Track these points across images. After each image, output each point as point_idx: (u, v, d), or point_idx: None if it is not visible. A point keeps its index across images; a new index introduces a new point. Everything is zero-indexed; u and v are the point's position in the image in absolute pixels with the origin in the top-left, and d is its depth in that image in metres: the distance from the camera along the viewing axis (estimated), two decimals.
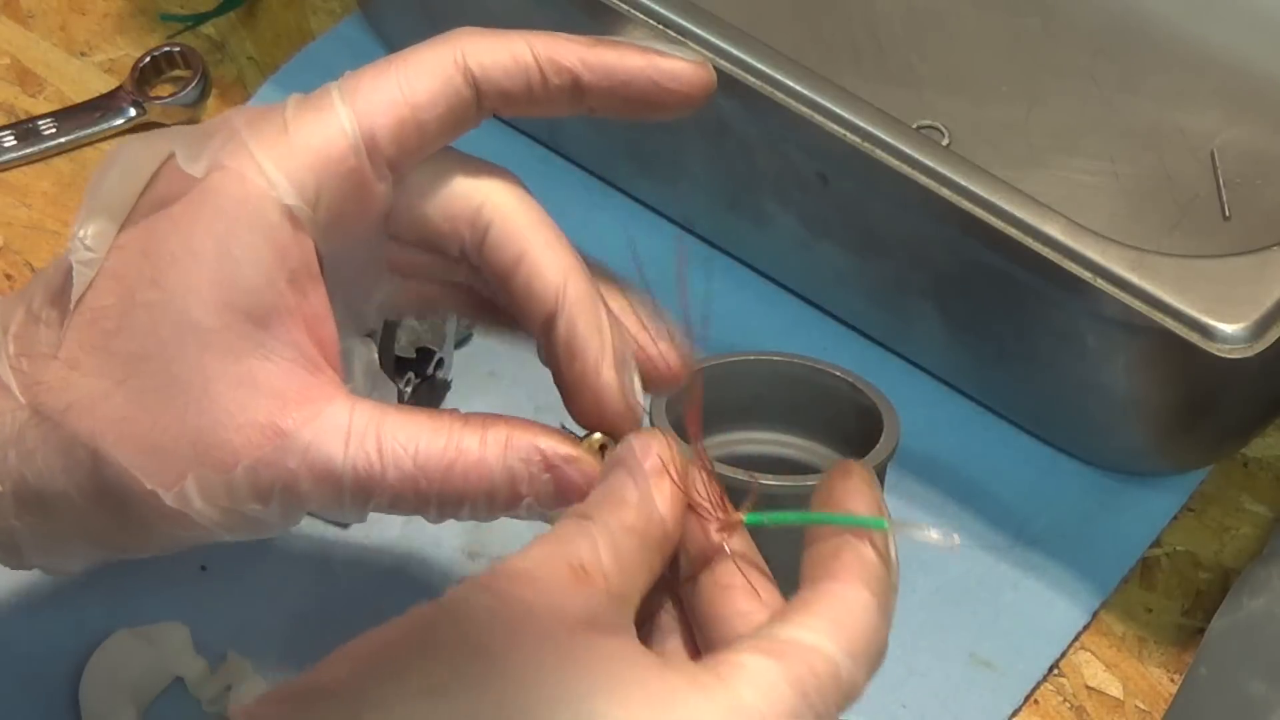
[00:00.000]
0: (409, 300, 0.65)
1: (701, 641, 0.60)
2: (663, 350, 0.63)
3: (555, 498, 0.61)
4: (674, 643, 0.60)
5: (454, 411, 0.62)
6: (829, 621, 0.56)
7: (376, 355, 0.72)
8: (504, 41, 0.61)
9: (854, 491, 0.59)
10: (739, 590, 0.59)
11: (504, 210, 0.62)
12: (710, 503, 0.60)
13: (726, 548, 0.59)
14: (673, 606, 0.61)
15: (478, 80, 0.61)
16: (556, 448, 0.61)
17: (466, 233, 0.62)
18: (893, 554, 0.58)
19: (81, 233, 0.61)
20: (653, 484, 0.59)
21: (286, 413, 0.60)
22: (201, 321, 0.59)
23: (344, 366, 0.63)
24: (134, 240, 0.60)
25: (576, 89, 0.62)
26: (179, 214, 0.60)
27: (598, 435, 0.62)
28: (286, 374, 0.60)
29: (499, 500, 0.61)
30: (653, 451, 0.59)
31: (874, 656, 0.57)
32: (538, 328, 0.62)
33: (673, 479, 0.59)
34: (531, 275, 0.61)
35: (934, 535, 0.59)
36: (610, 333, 0.62)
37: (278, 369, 0.60)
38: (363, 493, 0.61)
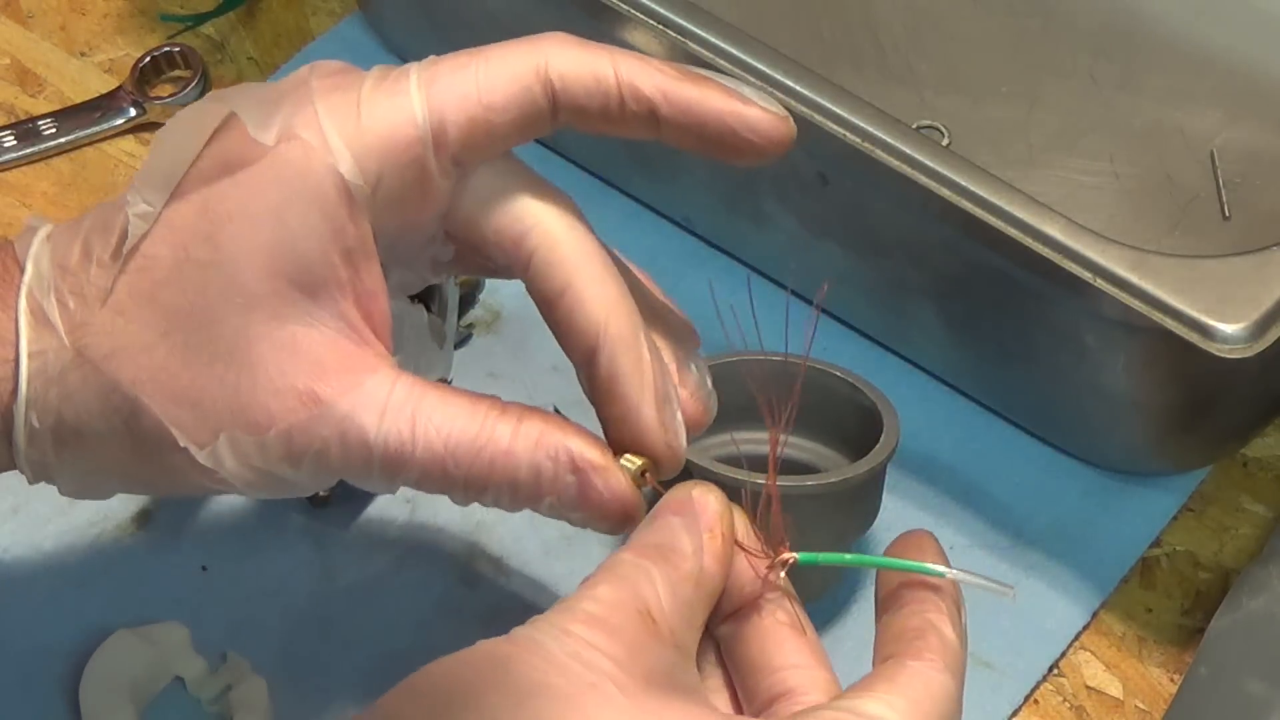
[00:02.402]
0: (463, 269, 0.65)
1: (743, 687, 0.60)
2: (687, 396, 0.63)
3: (576, 502, 0.61)
4: (714, 681, 0.61)
5: (494, 398, 0.62)
6: (910, 702, 0.57)
7: (426, 319, 0.72)
8: (589, 56, 0.61)
9: (926, 552, 0.59)
10: (786, 636, 0.59)
11: (552, 238, 0.61)
12: (759, 545, 0.60)
13: (778, 585, 0.61)
14: (710, 650, 0.61)
15: (556, 92, 0.61)
16: (586, 453, 0.61)
17: (512, 254, 0.62)
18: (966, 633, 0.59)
19: (141, 185, 0.61)
20: (706, 539, 0.59)
21: (326, 381, 0.60)
22: (251, 285, 0.60)
23: (397, 334, 0.63)
24: (194, 195, 0.60)
25: (653, 118, 0.61)
26: (242, 177, 0.60)
27: (638, 461, 0.62)
28: (330, 343, 0.60)
29: (521, 494, 0.61)
30: (710, 508, 0.60)
31: None
32: (578, 360, 0.62)
33: (724, 534, 0.60)
34: (574, 309, 0.61)
35: (991, 585, 0.59)
36: (652, 369, 0.61)
37: (322, 337, 0.60)
38: (392, 467, 0.61)
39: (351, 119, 0.60)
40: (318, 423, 0.60)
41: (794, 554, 0.60)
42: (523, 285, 0.66)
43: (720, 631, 0.61)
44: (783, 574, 0.60)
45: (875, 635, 0.60)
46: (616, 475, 0.61)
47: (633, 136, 0.62)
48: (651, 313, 0.64)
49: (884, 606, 0.60)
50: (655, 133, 0.61)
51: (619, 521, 0.62)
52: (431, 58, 0.62)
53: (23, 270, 0.62)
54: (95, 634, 0.73)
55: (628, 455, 0.62)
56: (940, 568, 0.59)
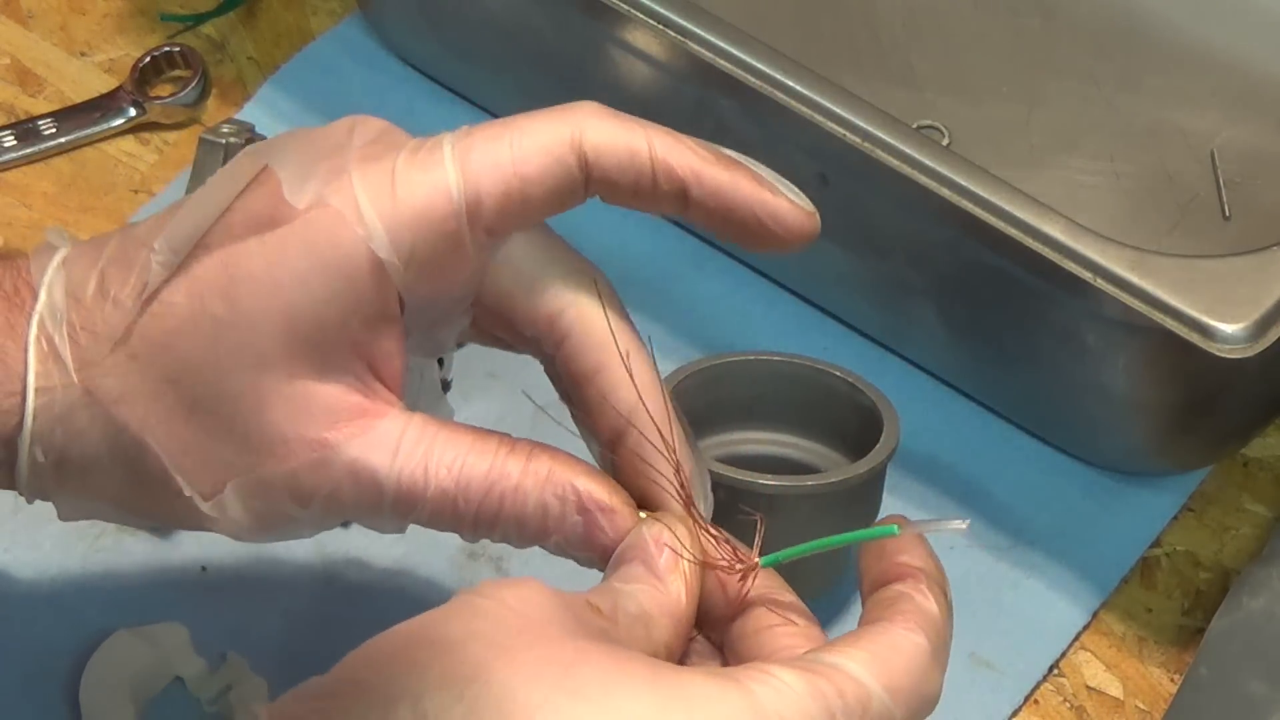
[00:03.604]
0: (488, 339, 0.65)
1: None
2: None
3: (582, 542, 0.61)
4: None
5: (503, 435, 0.62)
6: (872, 655, 0.56)
7: (439, 376, 0.72)
8: (624, 131, 0.61)
9: (907, 548, 0.60)
10: (776, 628, 0.60)
11: (585, 319, 0.62)
12: (725, 557, 0.60)
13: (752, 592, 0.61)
14: (715, 660, 0.61)
15: (590, 164, 0.60)
16: (594, 493, 0.61)
17: (544, 332, 0.62)
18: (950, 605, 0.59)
19: (171, 233, 0.61)
20: (665, 570, 0.59)
21: (337, 429, 0.60)
22: (265, 346, 0.60)
23: (407, 384, 0.63)
24: (219, 249, 0.60)
25: (682, 198, 0.61)
26: (270, 239, 0.60)
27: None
28: (340, 395, 0.61)
29: (528, 531, 0.61)
30: (665, 544, 0.60)
31: (918, 700, 0.57)
32: (602, 439, 0.62)
33: (686, 557, 0.60)
34: (607, 390, 0.61)
35: (944, 525, 0.60)
36: (681, 451, 0.62)
37: (334, 391, 0.61)
38: (403, 506, 0.61)
39: (386, 191, 0.60)
40: (328, 464, 0.60)
41: (756, 559, 0.60)
42: None
43: (718, 640, 0.61)
44: (753, 581, 0.60)
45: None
46: (622, 517, 0.61)
47: (659, 213, 0.62)
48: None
49: (866, 589, 0.60)
50: (683, 212, 0.61)
51: None
52: (465, 128, 0.61)
53: (35, 295, 0.61)
54: (95, 634, 0.73)
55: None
56: (890, 526, 0.59)
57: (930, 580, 0.59)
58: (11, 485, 0.63)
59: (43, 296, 0.61)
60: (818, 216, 0.62)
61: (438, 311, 0.63)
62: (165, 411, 0.60)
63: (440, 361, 0.74)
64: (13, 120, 0.89)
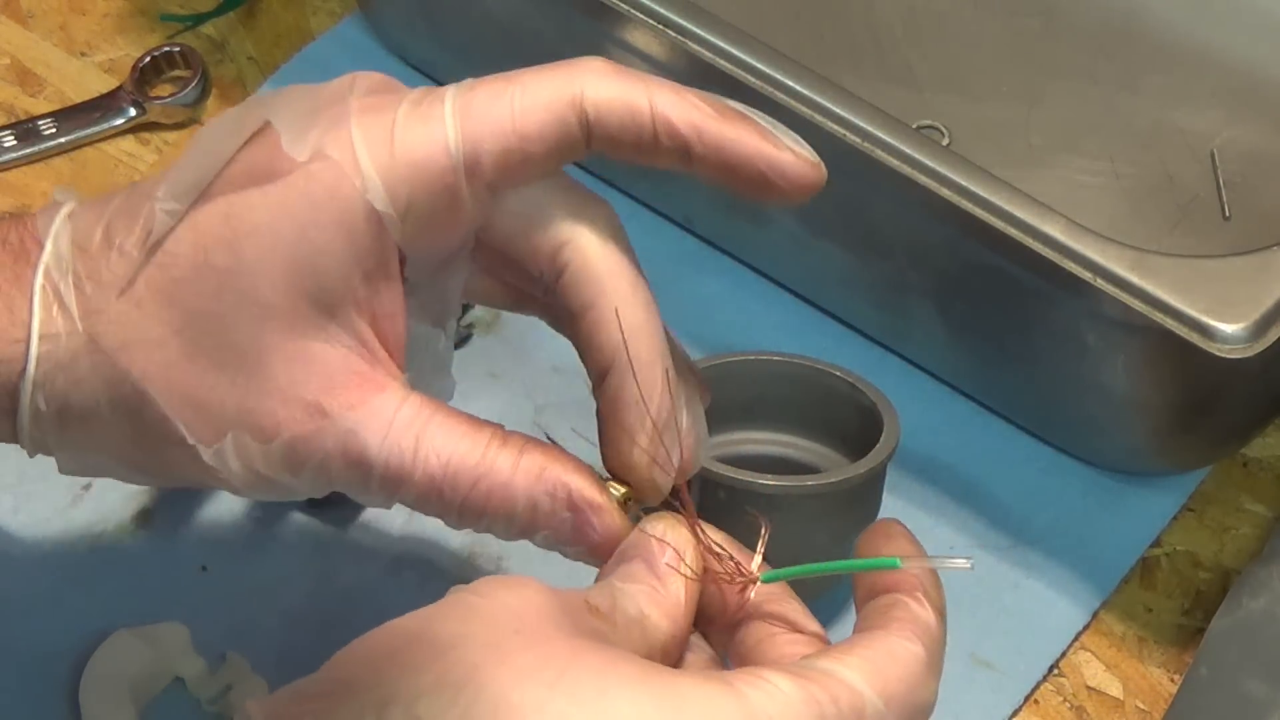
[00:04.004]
0: (490, 293, 0.65)
1: None
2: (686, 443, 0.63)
3: (570, 538, 0.61)
4: None
5: (498, 427, 0.62)
6: (867, 662, 0.56)
7: (443, 344, 0.71)
8: (626, 87, 0.60)
9: (894, 539, 0.60)
10: (780, 637, 0.60)
11: (584, 254, 0.61)
12: (725, 567, 0.60)
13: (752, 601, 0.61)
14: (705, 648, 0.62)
15: (591, 122, 0.60)
16: (584, 491, 0.61)
17: (545, 266, 0.62)
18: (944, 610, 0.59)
19: (172, 181, 0.61)
20: (666, 571, 0.59)
21: (334, 395, 0.60)
22: (268, 297, 0.60)
23: (412, 352, 0.63)
24: (221, 200, 0.60)
25: (685, 154, 0.61)
26: (271, 190, 0.60)
27: (622, 489, 0.62)
28: (342, 359, 0.61)
29: (516, 526, 0.62)
30: (667, 546, 0.60)
31: (913, 709, 0.57)
32: (592, 376, 0.62)
33: (688, 560, 0.60)
34: (595, 327, 0.61)
35: (948, 563, 0.60)
36: (658, 401, 0.61)
37: (334, 352, 0.61)
38: (390, 485, 0.61)
39: (385, 144, 0.60)
40: (321, 435, 0.60)
41: (758, 574, 0.60)
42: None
43: (720, 645, 0.61)
44: (750, 591, 0.60)
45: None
46: (612, 515, 0.61)
47: (664, 168, 0.62)
48: (672, 354, 0.63)
49: (861, 597, 0.60)
50: (687, 167, 0.61)
51: (610, 558, 0.62)
52: (468, 81, 0.61)
53: (41, 247, 0.62)
54: (95, 634, 0.73)
55: (614, 483, 0.62)
56: (895, 559, 0.59)
57: (926, 590, 0.59)
58: (13, 437, 0.63)
59: (49, 247, 0.62)
60: (823, 168, 0.61)
61: (439, 260, 0.63)
62: (168, 361, 0.60)
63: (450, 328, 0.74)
64: (13, 120, 0.89)
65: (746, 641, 0.60)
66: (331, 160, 0.60)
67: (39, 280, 0.61)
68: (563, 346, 0.81)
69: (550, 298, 0.63)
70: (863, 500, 0.74)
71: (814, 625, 0.61)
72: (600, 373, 0.61)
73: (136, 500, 0.78)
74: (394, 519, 0.78)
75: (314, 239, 0.60)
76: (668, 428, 0.61)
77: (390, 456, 0.61)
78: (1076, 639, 0.77)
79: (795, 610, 0.61)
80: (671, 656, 0.59)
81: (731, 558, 0.61)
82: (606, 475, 0.62)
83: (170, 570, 0.76)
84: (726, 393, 0.75)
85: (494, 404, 0.80)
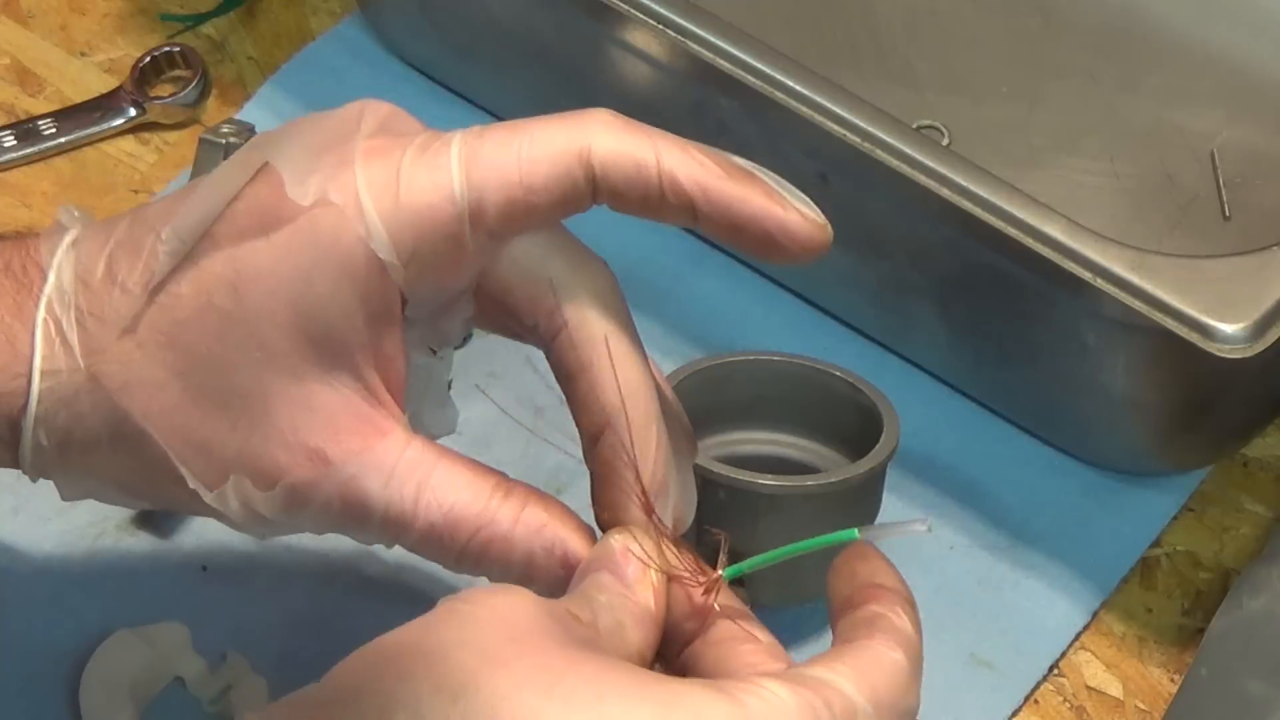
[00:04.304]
0: (492, 326, 0.65)
1: None
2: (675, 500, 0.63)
3: (561, 592, 0.61)
4: None
5: (500, 476, 0.62)
6: (855, 670, 0.57)
7: (446, 376, 0.72)
8: (633, 142, 0.60)
9: (876, 569, 0.60)
10: (739, 642, 0.60)
11: (581, 316, 0.61)
12: (688, 569, 0.60)
13: (716, 606, 0.60)
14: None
15: (597, 178, 0.60)
16: (580, 552, 0.61)
17: (542, 322, 0.62)
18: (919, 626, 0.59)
19: (178, 222, 0.61)
20: (634, 578, 0.59)
21: (337, 441, 0.60)
22: (271, 341, 0.60)
23: (412, 384, 0.63)
24: (225, 243, 0.60)
25: (690, 212, 0.60)
26: (275, 236, 0.60)
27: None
28: (344, 403, 0.61)
29: (511, 575, 0.62)
30: (631, 554, 0.60)
31: (900, 713, 0.57)
32: (586, 435, 0.62)
33: (653, 569, 0.60)
34: (591, 389, 0.61)
35: (907, 529, 0.60)
36: (655, 464, 0.61)
37: (337, 397, 0.61)
38: (390, 532, 0.62)
39: (390, 190, 0.60)
40: (323, 481, 0.61)
41: (719, 572, 0.60)
42: None
43: (679, 663, 0.61)
44: (717, 594, 0.60)
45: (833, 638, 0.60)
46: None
47: (669, 224, 0.62)
48: (664, 412, 0.63)
49: (837, 613, 0.60)
50: (693, 224, 0.61)
51: None
52: (476, 128, 0.61)
53: (44, 276, 0.61)
54: (95, 634, 0.73)
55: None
56: (850, 531, 0.59)
57: (902, 601, 0.59)
58: (14, 465, 0.63)
59: (51, 279, 0.61)
60: (829, 229, 0.61)
61: (439, 304, 0.63)
62: (169, 402, 0.60)
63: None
64: (13, 120, 0.89)
65: (708, 648, 0.60)
66: (335, 206, 0.60)
67: (41, 314, 0.61)
68: None
69: (545, 352, 0.63)
70: (863, 500, 0.74)
71: (769, 635, 0.61)
72: (594, 433, 0.62)
73: None
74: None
75: (317, 284, 0.60)
76: (661, 490, 0.61)
77: (391, 504, 0.61)
78: (1076, 639, 0.77)
79: (752, 619, 0.61)
80: (648, 662, 0.59)
81: (694, 560, 0.61)
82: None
83: (170, 570, 0.76)
84: (726, 393, 0.75)
85: (494, 405, 0.80)
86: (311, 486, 0.61)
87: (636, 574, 0.59)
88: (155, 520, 0.77)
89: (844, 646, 0.58)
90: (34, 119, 0.89)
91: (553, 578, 0.61)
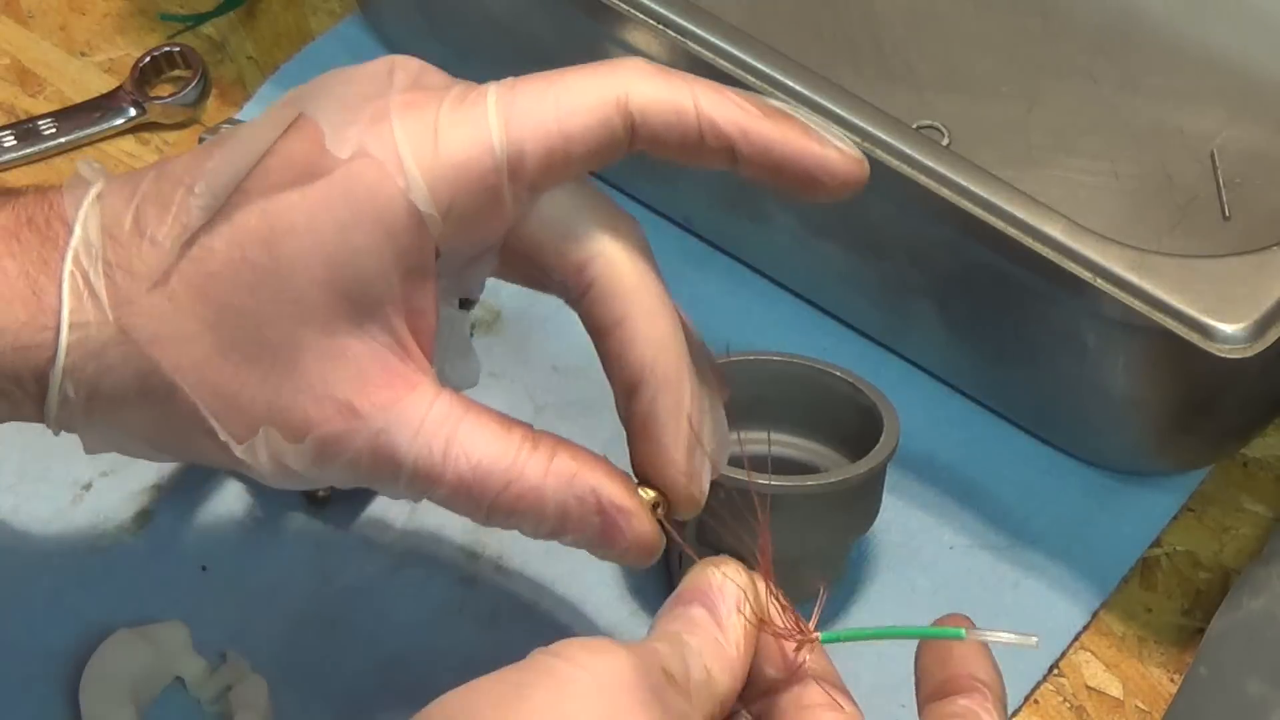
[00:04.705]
0: (516, 278, 0.65)
1: None
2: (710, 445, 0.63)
3: (599, 540, 0.61)
4: None
5: (527, 427, 0.62)
6: None
7: (469, 327, 0.71)
8: (670, 87, 0.60)
9: (972, 658, 0.60)
10: (825, 711, 0.59)
11: (612, 268, 0.61)
12: (785, 622, 0.60)
13: (806, 667, 0.60)
14: None
15: (635, 124, 0.60)
16: (615, 497, 0.61)
17: (573, 279, 0.62)
18: None
19: (211, 175, 0.60)
20: (727, 619, 0.59)
21: (366, 394, 0.60)
22: (304, 296, 0.59)
23: (438, 336, 0.63)
24: (259, 197, 0.60)
25: (730, 154, 0.61)
26: (310, 190, 0.59)
27: (652, 493, 0.62)
28: (376, 356, 0.60)
29: (544, 528, 0.62)
30: (729, 595, 0.59)
31: None
32: (620, 390, 0.62)
33: (748, 612, 0.59)
34: (625, 343, 0.61)
35: (1011, 638, 0.59)
36: (689, 415, 0.61)
37: (368, 350, 0.60)
38: (419, 485, 0.61)
39: (428, 143, 0.59)
40: (352, 434, 0.60)
41: (818, 633, 0.60)
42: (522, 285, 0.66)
43: (755, 709, 0.61)
44: (808, 655, 0.60)
45: None
46: (641, 519, 0.61)
47: (707, 168, 0.61)
48: (693, 355, 0.63)
49: (926, 697, 0.60)
50: (731, 166, 0.61)
51: (638, 561, 0.62)
52: (510, 80, 0.61)
53: (69, 229, 0.61)
54: (95, 634, 0.73)
55: (644, 488, 0.62)
56: (957, 629, 0.59)
57: (994, 699, 0.59)
58: (38, 417, 0.63)
59: (78, 231, 0.61)
60: (866, 163, 0.61)
61: (469, 257, 0.63)
62: (200, 355, 0.60)
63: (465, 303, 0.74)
64: (13, 120, 0.89)
65: (790, 709, 0.59)
66: (374, 159, 0.59)
67: (68, 266, 0.61)
68: (563, 346, 0.81)
69: (575, 306, 0.63)
70: (863, 500, 0.74)
71: (853, 702, 0.60)
72: (628, 387, 0.62)
73: (136, 500, 0.78)
74: (395, 518, 0.78)
75: (353, 238, 0.59)
76: (696, 445, 0.61)
77: (420, 457, 0.60)
78: (1076, 639, 0.77)
79: (840, 685, 0.60)
80: (727, 709, 0.59)
81: (794, 614, 0.60)
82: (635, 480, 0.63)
83: (170, 570, 0.76)
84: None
85: (494, 404, 0.79)
86: (341, 440, 0.60)
87: (730, 614, 0.59)
88: (155, 520, 0.77)
89: None
90: (34, 119, 0.89)
91: (587, 526, 0.61)
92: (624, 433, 0.63)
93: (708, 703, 0.57)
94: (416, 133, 0.60)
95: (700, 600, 0.59)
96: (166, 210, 0.60)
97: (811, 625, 0.60)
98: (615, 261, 0.61)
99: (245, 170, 0.60)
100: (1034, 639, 0.59)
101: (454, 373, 0.66)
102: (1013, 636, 0.59)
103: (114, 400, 0.61)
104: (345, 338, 0.60)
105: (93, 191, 0.62)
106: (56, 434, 0.63)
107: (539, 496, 0.61)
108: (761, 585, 0.60)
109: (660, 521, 0.62)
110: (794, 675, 0.60)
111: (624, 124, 0.60)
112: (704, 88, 0.60)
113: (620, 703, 0.54)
